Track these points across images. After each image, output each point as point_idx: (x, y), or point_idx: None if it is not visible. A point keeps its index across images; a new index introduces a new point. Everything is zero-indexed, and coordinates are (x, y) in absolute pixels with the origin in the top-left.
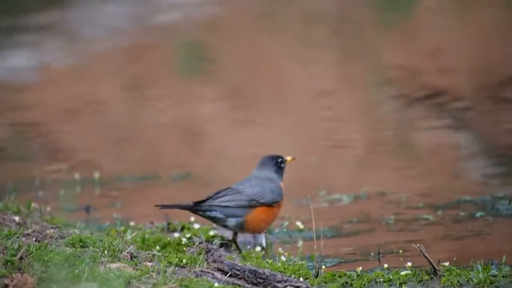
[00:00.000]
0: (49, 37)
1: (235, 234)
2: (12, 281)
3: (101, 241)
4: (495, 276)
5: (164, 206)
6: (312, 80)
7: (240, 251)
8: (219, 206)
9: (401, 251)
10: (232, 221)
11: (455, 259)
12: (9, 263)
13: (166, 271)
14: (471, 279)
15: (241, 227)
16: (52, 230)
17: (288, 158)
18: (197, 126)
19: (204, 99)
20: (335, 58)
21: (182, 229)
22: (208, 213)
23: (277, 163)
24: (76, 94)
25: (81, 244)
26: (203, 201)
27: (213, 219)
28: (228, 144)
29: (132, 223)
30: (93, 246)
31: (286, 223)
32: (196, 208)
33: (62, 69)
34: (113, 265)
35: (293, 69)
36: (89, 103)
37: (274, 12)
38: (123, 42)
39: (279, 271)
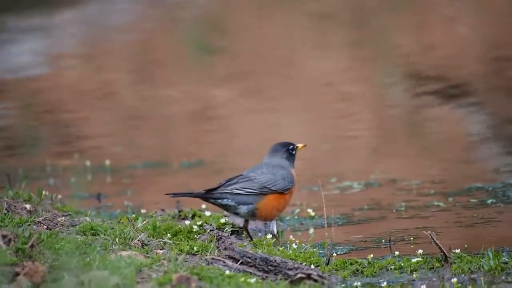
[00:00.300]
0: (62, 26)
1: (246, 221)
2: (23, 269)
3: (112, 228)
4: (506, 263)
5: (175, 195)
6: (323, 66)
7: (251, 239)
8: (231, 193)
9: (412, 238)
10: (243, 208)
11: (466, 246)
12: (20, 251)
13: (177, 259)
14: (482, 266)
15: (252, 215)
16: (63, 218)
17: (300, 145)
18: (208, 112)
19: (216, 85)
20: (347, 45)
21: (193, 216)
22: (219, 200)
23: (288, 150)
24: (88, 81)
25: (92, 232)
26: (215, 189)
27: (225, 207)
28: (239, 131)
29: (143, 211)
30: (104, 234)
31: (297, 210)
32: (208, 196)
33: (75, 57)
34: (124, 253)
35: (305, 55)
36: (100, 90)
37: None
38: (131, 25)
39: (290, 259)
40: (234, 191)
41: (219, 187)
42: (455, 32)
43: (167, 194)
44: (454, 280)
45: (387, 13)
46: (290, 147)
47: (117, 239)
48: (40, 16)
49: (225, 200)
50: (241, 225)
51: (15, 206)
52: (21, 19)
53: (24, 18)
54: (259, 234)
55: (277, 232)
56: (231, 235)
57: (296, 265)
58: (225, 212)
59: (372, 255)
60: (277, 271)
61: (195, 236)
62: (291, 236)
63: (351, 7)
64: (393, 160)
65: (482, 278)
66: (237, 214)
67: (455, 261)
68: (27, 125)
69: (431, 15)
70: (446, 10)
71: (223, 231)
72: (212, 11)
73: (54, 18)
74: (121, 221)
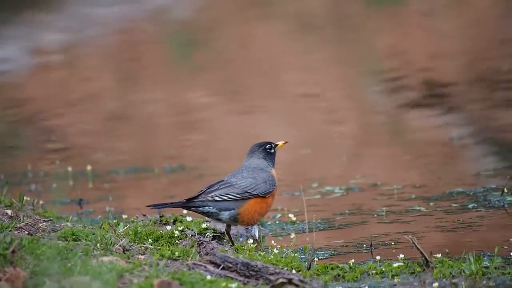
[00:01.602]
0: (43, 30)
1: (229, 226)
2: (4, 274)
3: (93, 234)
4: (487, 267)
5: (156, 206)
6: (305, 72)
7: (232, 244)
8: (212, 200)
9: (393, 243)
10: (225, 214)
11: (447, 250)
12: (1, 256)
13: (158, 264)
14: (463, 271)
15: (235, 220)
16: (44, 224)
17: (280, 142)
18: (190, 117)
19: (197, 90)
20: (328, 52)
21: (175, 222)
22: (201, 208)
23: (266, 150)
24: (70, 85)
25: (74, 237)
26: (196, 197)
27: (207, 214)
28: (221, 135)
29: (124, 216)
30: (86, 240)
31: (278, 215)
32: (189, 204)
33: (55, 61)
34: (105, 258)
35: (286, 61)
36: (81, 94)
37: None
38: (115, 30)
39: (272, 264)
40: (215, 198)
41: (199, 194)
42: (436, 39)
43: (148, 206)
44: (436, 284)
45: (368, 19)
46: (267, 146)
47: (98, 245)
48: (21, 21)
49: (207, 207)
50: (223, 230)
51: None
52: (2, 23)
53: (5, 21)
54: (241, 239)
55: (259, 237)
56: (212, 240)
57: (277, 270)
58: (207, 218)
59: (353, 260)
60: (258, 276)
61: (177, 241)
62: (272, 241)
63: (333, 16)
64: (374, 165)
65: (463, 283)
66: (219, 220)
67: (437, 265)
68: (7, 130)
69: (412, 21)
70: (427, 16)
71: (204, 236)
72: (196, 18)
73: (35, 21)
74: (102, 227)
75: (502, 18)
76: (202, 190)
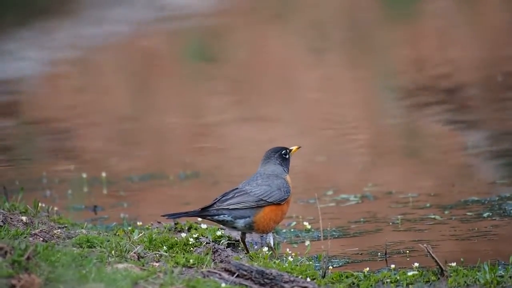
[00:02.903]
0: (58, 36)
1: (244, 234)
2: (19, 281)
3: (108, 241)
4: (502, 276)
5: (170, 216)
6: (319, 80)
7: (247, 251)
8: (227, 209)
9: (408, 251)
10: (240, 222)
11: (462, 259)
12: (16, 263)
13: (173, 272)
14: (478, 280)
15: (250, 228)
16: (59, 230)
17: (293, 148)
18: (204, 123)
19: (212, 96)
20: (344, 55)
21: (189, 229)
22: (216, 217)
23: (281, 155)
24: (84, 92)
25: (88, 244)
26: (211, 206)
27: (222, 222)
28: (235, 141)
29: (139, 223)
30: (100, 246)
31: (293, 223)
32: (204, 213)
33: (71, 68)
34: (120, 266)
35: (300, 65)
36: (96, 101)
37: (282, 9)
38: (129, 37)
39: (286, 272)
40: (231, 206)
41: (214, 203)
42: (450, 46)
43: (163, 215)
44: None
45: (382, 27)
46: (283, 151)
47: (113, 252)
48: (35, 27)
49: (222, 216)
50: (237, 237)
51: (11, 218)
52: (16, 30)
53: (19, 29)
54: (255, 247)
55: (274, 244)
56: (227, 247)
57: (292, 278)
58: (222, 226)
59: (368, 268)
60: (273, 284)
61: (191, 248)
62: (287, 249)
63: (347, 24)
64: (389, 173)
65: None
66: (234, 228)
67: (451, 274)
68: (23, 136)
69: (426, 29)
70: (442, 24)
71: (219, 244)
72: (211, 24)
73: (49, 27)
74: (117, 234)
75: None
76: (216, 199)
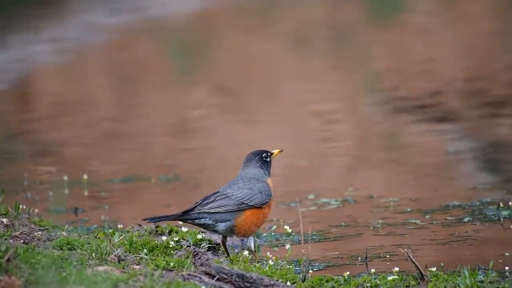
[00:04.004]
0: (41, 37)
1: (225, 237)
2: None
3: (88, 243)
4: (482, 282)
5: (151, 219)
6: (302, 85)
7: (228, 255)
8: (208, 212)
9: (388, 256)
10: (221, 226)
11: (442, 264)
12: None
13: (153, 274)
14: (458, 285)
15: (231, 231)
16: (40, 232)
17: (275, 151)
18: (187, 125)
19: (194, 98)
20: (327, 61)
21: (170, 232)
22: (197, 221)
23: (262, 158)
24: (66, 93)
25: (69, 246)
26: (192, 209)
27: (203, 226)
28: (217, 144)
29: (120, 226)
30: (81, 249)
31: (274, 227)
32: (185, 217)
33: (51, 67)
34: (100, 268)
35: (284, 69)
36: (78, 104)
37: (267, 11)
38: (113, 39)
39: (267, 275)
40: (212, 210)
41: (195, 207)
42: (434, 52)
43: (144, 219)
44: None
45: (366, 33)
46: (263, 154)
47: (93, 254)
48: (18, 28)
49: (203, 219)
50: (219, 241)
51: None
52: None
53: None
54: (236, 250)
55: (254, 248)
56: (207, 251)
57: (272, 282)
58: (203, 230)
59: (348, 272)
60: (253, 287)
61: (172, 251)
62: (267, 253)
63: (331, 28)
64: (371, 177)
65: None
66: (215, 231)
67: (431, 279)
68: (4, 138)
69: (408, 33)
70: (425, 30)
71: (199, 247)
72: (194, 28)
73: (33, 29)
74: (98, 236)
75: (499, 32)
76: (197, 202)
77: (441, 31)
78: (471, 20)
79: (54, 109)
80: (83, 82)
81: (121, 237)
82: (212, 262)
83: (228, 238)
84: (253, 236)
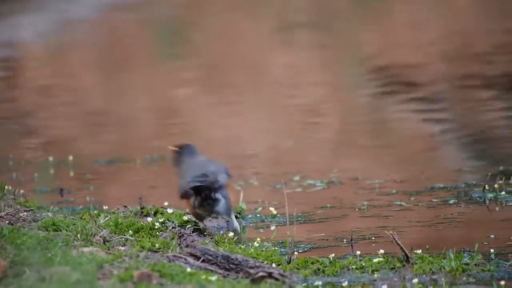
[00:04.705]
0: (24, 19)
1: (203, 219)
2: None
3: (74, 224)
4: (467, 264)
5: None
6: (288, 67)
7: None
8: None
9: (373, 238)
10: (223, 202)
11: (427, 246)
12: None
13: (138, 256)
14: (444, 267)
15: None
16: (25, 213)
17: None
18: (172, 108)
19: (180, 81)
20: (312, 47)
21: (156, 213)
22: (217, 194)
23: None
24: (52, 76)
25: (54, 227)
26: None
27: (215, 201)
28: (203, 126)
29: (105, 207)
30: (66, 230)
31: (259, 208)
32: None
33: (38, 50)
34: (85, 249)
35: (269, 52)
36: (64, 85)
37: None
38: (97, 26)
39: (252, 257)
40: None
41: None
42: (421, 35)
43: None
44: (415, 280)
45: (352, 15)
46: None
47: (79, 235)
48: (3, 13)
49: (219, 193)
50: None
51: None
52: None
53: None
54: (221, 232)
55: (240, 229)
56: (193, 232)
57: (257, 264)
58: (187, 210)
59: (333, 254)
60: (238, 269)
61: (157, 233)
62: (253, 234)
63: (318, 13)
64: (356, 159)
65: (443, 279)
66: (212, 212)
67: (417, 261)
68: None
69: (396, 16)
70: (411, 11)
71: (185, 229)
72: (180, 13)
73: (16, 13)
74: (83, 217)
75: (485, 16)
76: (203, 179)
77: (430, 12)
78: (458, 5)
79: (38, 91)
80: (66, 64)
81: (106, 218)
82: (198, 244)
83: (214, 220)
84: (238, 217)
